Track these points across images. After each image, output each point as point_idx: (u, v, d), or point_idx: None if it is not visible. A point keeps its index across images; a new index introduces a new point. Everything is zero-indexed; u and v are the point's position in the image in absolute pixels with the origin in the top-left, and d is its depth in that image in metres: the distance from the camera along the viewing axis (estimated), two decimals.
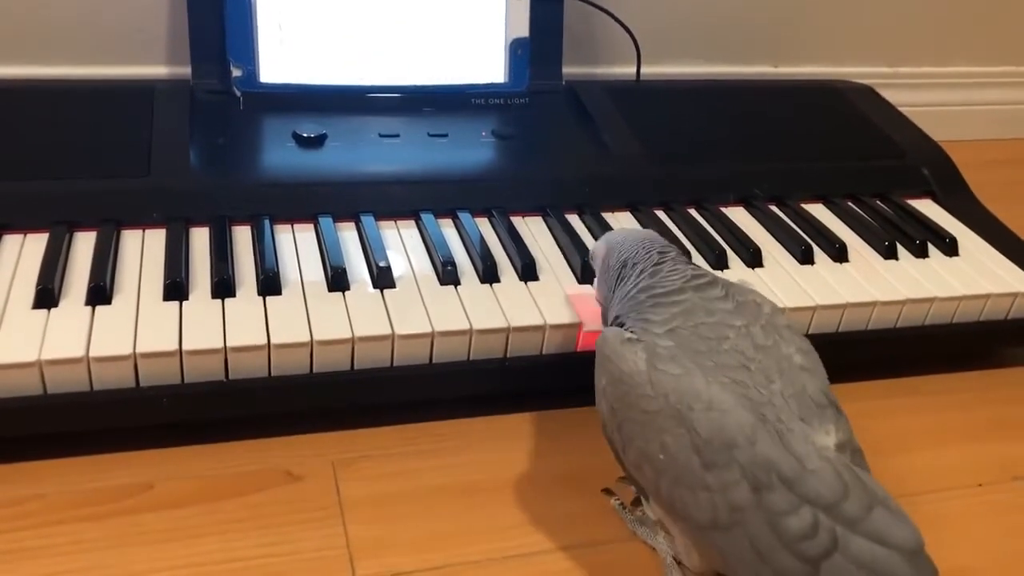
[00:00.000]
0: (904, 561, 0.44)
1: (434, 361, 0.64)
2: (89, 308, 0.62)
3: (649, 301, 0.54)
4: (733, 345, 0.50)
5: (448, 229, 0.75)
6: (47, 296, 0.61)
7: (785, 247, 0.79)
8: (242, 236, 0.71)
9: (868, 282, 0.75)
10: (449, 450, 0.65)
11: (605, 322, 0.60)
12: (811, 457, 0.46)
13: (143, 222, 0.71)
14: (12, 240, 0.68)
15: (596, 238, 0.76)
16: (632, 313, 0.54)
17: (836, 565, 0.44)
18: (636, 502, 0.60)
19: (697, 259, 0.75)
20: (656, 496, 0.50)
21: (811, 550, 0.44)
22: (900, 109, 1.01)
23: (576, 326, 0.66)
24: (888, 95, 1.03)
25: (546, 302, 0.68)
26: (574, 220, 0.78)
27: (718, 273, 0.66)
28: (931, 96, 1.24)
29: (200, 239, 0.70)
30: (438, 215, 0.76)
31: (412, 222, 0.76)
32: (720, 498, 0.46)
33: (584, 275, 0.71)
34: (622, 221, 0.79)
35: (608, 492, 0.61)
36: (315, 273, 0.68)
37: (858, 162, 0.92)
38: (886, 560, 0.44)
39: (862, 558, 0.44)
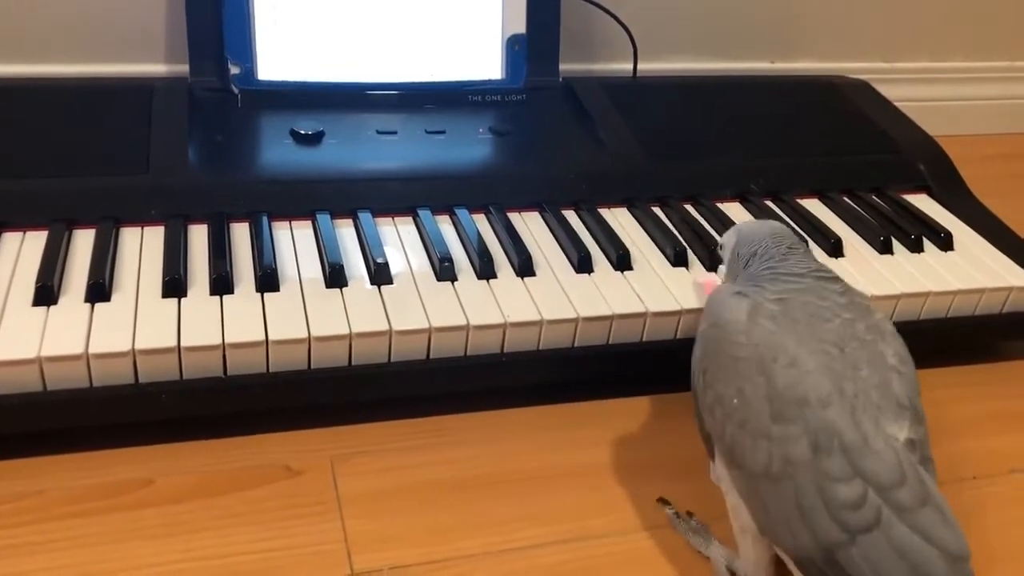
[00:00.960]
0: (944, 563, 0.45)
1: (431, 357, 0.65)
2: (88, 305, 0.62)
3: (769, 275, 0.56)
4: (834, 328, 0.52)
5: (445, 225, 0.75)
6: (46, 293, 0.62)
7: None
8: (240, 233, 0.71)
9: (863, 277, 0.75)
10: (446, 445, 0.65)
11: None
12: (877, 438, 0.47)
13: (142, 219, 0.71)
14: (12, 238, 0.68)
15: (592, 234, 0.77)
16: (750, 282, 0.57)
17: (874, 541, 0.45)
18: (689, 513, 0.60)
19: (692, 255, 0.75)
20: (720, 440, 0.51)
21: (853, 521, 0.45)
22: (897, 104, 1.01)
23: (574, 321, 0.67)
24: (885, 90, 1.04)
25: (542, 297, 0.68)
26: (571, 216, 0.79)
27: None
28: (928, 91, 1.24)
29: (199, 236, 0.70)
30: (435, 211, 0.76)
31: (410, 218, 0.76)
32: (778, 449, 0.48)
33: (581, 268, 0.72)
34: (618, 217, 0.80)
35: (663, 502, 0.61)
36: (313, 270, 0.68)
37: (854, 157, 0.92)
38: (925, 555, 0.45)
39: (902, 544, 0.45)
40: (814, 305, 0.53)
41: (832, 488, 0.46)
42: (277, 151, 0.80)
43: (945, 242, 0.81)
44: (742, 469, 0.50)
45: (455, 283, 0.69)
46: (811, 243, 0.78)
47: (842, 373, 0.49)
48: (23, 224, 0.69)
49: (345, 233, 0.73)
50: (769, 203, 0.85)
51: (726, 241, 0.65)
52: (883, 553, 0.45)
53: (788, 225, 0.80)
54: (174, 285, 0.64)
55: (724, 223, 0.80)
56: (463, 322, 0.65)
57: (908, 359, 0.53)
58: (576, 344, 0.68)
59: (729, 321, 0.53)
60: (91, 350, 0.58)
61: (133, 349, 0.59)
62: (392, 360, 0.64)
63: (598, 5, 1.01)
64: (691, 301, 0.69)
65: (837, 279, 0.57)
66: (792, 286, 0.55)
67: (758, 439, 0.48)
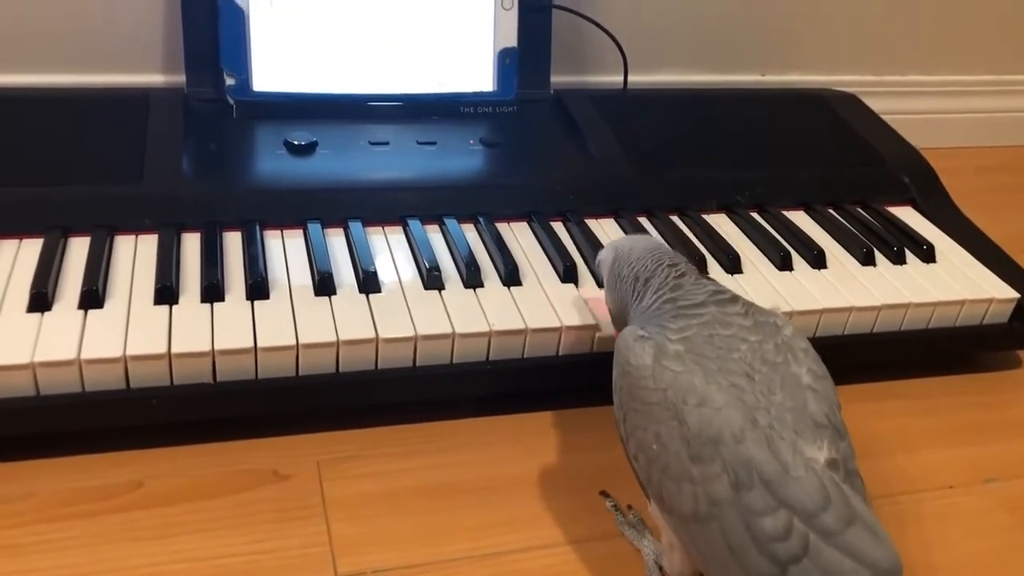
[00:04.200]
0: None
1: (418, 364, 0.66)
2: (81, 312, 0.63)
3: (672, 311, 0.55)
4: (742, 356, 0.51)
5: (435, 235, 0.77)
6: (41, 300, 0.63)
7: (764, 253, 0.80)
8: (232, 242, 0.72)
9: (845, 288, 0.76)
10: (431, 451, 0.67)
11: (617, 328, 0.62)
12: (796, 465, 0.47)
13: (136, 228, 0.72)
14: (8, 245, 0.69)
15: (579, 244, 0.78)
16: (652, 320, 0.56)
17: (804, 570, 0.45)
18: (628, 507, 0.62)
19: None
20: (648, 485, 0.52)
21: (782, 552, 0.46)
22: (885, 116, 1.03)
23: (558, 330, 0.68)
24: (874, 103, 1.05)
25: (528, 307, 0.69)
26: (558, 227, 0.80)
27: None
28: (916, 104, 1.25)
29: (191, 244, 0.71)
30: (425, 221, 0.78)
31: (400, 228, 0.77)
32: (701, 490, 0.48)
33: (566, 278, 0.73)
34: (606, 227, 0.81)
35: (604, 494, 0.63)
36: (303, 278, 0.70)
37: (840, 169, 0.93)
38: (855, 574, 0.45)
39: (831, 568, 0.45)
40: (719, 336, 0.52)
41: (757, 522, 0.46)
42: (270, 161, 0.82)
43: (927, 254, 0.82)
44: (673, 513, 0.50)
45: (442, 292, 0.70)
46: (794, 254, 0.80)
47: (754, 403, 0.49)
48: (19, 232, 0.70)
49: (336, 242, 0.74)
50: (755, 215, 0.86)
51: (603, 258, 0.64)
52: None
53: (772, 236, 0.82)
54: (166, 292, 0.65)
55: (709, 234, 0.81)
56: (449, 330, 0.66)
57: (822, 374, 0.53)
58: (560, 352, 0.69)
59: (636, 367, 0.52)
60: (83, 356, 0.60)
61: (125, 355, 0.60)
62: (379, 367, 0.65)
63: (589, 19, 1.02)
64: None
65: (736, 299, 0.56)
66: (694, 320, 0.54)
67: (681, 482, 0.48)
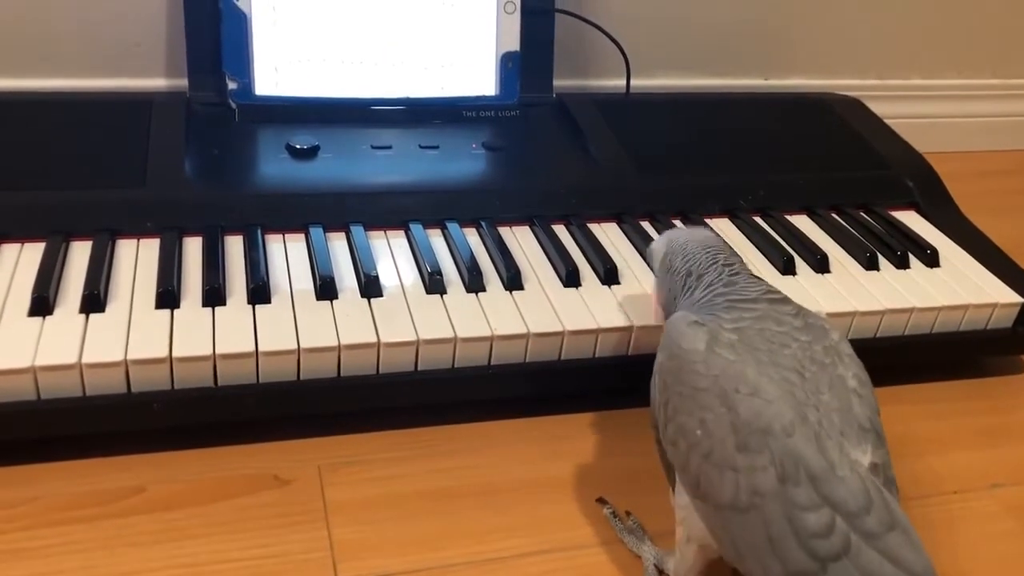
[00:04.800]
0: None
1: (419, 368, 0.66)
2: (83, 316, 0.63)
3: (724, 304, 0.56)
4: (793, 353, 0.52)
5: (437, 239, 0.76)
6: (42, 304, 0.63)
7: (767, 257, 0.80)
8: (234, 246, 0.72)
9: (848, 293, 0.76)
10: (433, 456, 0.66)
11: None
12: (843, 465, 0.47)
13: (138, 232, 0.72)
14: (10, 249, 0.69)
15: (581, 248, 0.78)
16: (704, 310, 0.56)
17: (844, 569, 0.45)
18: (627, 513, 0.62)
19: None
20: (684, 472, 0.51)
21: (822, 549, 0.46)
22: (889, 121, 1.02)
23: (560, 335, 0.68)
24: (877, 107, 1.05)
25: (530, 311, 0.69)
26: (561, 231, 0.80)
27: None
28: (920, 108, 1.25)
29: (193, 248, 0.71)
30: (427, 225, 0.78)
31: (402, 232, 0.77)
32: (745, 480, 0.47)
33: (569, 282, 0.73)
34: (608, 231, 0.81)
35: (602, 501, 0.63)
36: (304, 282, 0.69)
37: (843, 173, 0.93)
38: None
39: (871, 570, 0.45)
40: (771, 331, 0.53)
41: (801, 517, 0.46)
42: (273, 165, 0.82)
43: (931, 258, 0.82)
44: (708, 500, 0.50)
45: (444, 296, 0.70)
46: (797, 259, 0.79)
47: (804, 400, 0.49)
48: (21, 236, 0.70)
49: (338, 246, 0.74)
50: (757, 219, 0.86)
51: (655, 250, 0.64)
52: None
53: (775, 241, 0.82)
54: (167, 296, 0.65)
55: None
56: (451, 335, 0.66)
57: (867, 380, 0.53)
58: (562, 357, 0.69)
59: (687, 351, 0.52)
60: (85, 360, 0.60)
61: (126, 359, 0.60)
62: (380, 372, 0.65)
63: (591, 23, 1.02)
64: None
65: (788, 300, 0.56)
66: (748, 314, 0.54)
67: (724, 470, 0.48)
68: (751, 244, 0.82)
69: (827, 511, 0.46)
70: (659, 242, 0.64)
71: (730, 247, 0.62)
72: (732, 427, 0.48)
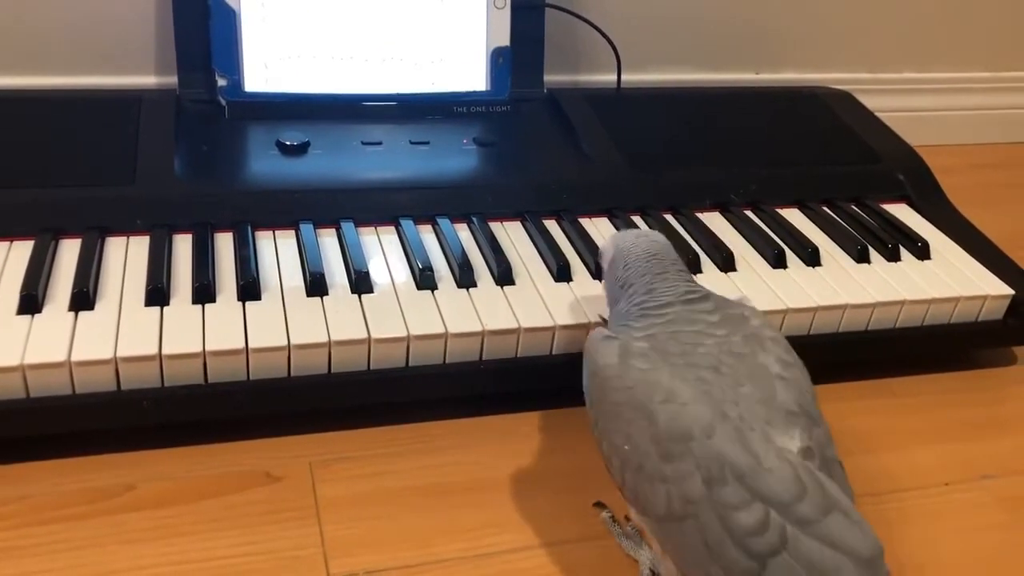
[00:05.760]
0: (855, 567, 0.45)
1: (410, 364, 0.66)
2: (72, 313, 0.63)
3: (637, 312, 0.55)
4: (708, 351, 0.51)
5: (428, 235, 0.76)
6: (31, 302, 0.63)
7: (758, 251, 0.80)
8: (224, 243, 0.72)
9: (839, 285, 0.76)
10: (424, 452, 0.66)
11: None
12: (769, 456, 0.46)
13: (127, 229, 0.72)
14: None
15: (573, 243, 0.78)
16: (619, 321, 0.56)
17: (783, 563, 0.45)
18: (626, 517, 0.61)
19: None
20: (624, 488, 0.51)
21: (759, 546, 0.45)
22: (881, 114, 1.02)
23: (551, 330, 0.68)
24: (869, 100, 1.05)
25: (521, 306, 0.69)
26: (552, 226, 0.80)
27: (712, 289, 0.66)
28: (911, 101, 1.25)
29: (183, 246, 0.71)
30: (418, 221, 0.77)
31: (392, 228, 0.77)
32: (675, 489, 0.47)
33: (560, 277, 0.73)
34: (599, 226, 0.81)
35: (600, 505, 0.62)
36: (295, 279, 0.69)
37: (834, 167, 0.93)
38: (835, 563, 0.44)
39: (811, 559, 0.45)
40: (684, 333, 0.52)
41: (733, 517, 0.45)
42: (263, 162, 0.82)
43: (922, 251, 0.82)
44: (648, 514, 0.49)
45: (435, 292, 0.70)
46: (788, 252, 0.79)
47: (722, 397, 0.48)
48: (9, 234, 0.70)
49: (328, 243, 0.74)
50: (749, 213, 0.86)
51: (604, 251, 0.63)
52: (795, 573, 0.45)
53: (766, 234, 0.82)
54: (157, 294, 0.65)
55: (702, 232, 0.81)
56: (442, 330, 0.66)
57: (793, 362, 0.52)
58: (554, 351, 0.69)
59: (603, 367, 0.52)
60: (74, 358, 0.59)
61: (115, 357, 0.60)
62: (372, 368, 0.65)
63: (582, 18, 1.02)
64: None
65: (707, 296, 0.56)
66: (658, 319, 0.54)
67: (655, 482, 0.48)
68: (742, 238, 0.82)
69: (759, 506, 0.45)
70: (608, 243, 0.63)
71: (675, 252, 0.60)
72: (654, 438, 0.48)
